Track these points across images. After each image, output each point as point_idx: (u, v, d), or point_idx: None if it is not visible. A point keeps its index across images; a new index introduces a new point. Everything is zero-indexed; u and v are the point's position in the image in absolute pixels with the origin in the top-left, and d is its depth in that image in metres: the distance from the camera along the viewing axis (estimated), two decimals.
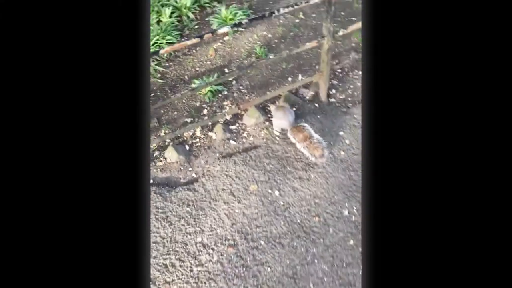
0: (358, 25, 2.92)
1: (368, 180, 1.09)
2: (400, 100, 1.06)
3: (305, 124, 2.80)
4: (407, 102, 1.06)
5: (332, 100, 3.22)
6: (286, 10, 2.51)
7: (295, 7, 2.53)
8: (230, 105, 3.26)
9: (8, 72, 1.01)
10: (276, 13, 2.47)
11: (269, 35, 3.85)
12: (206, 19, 3.98)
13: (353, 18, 3.85)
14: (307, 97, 3.26)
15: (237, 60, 3.61)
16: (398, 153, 1.06)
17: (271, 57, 3.42)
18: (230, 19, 3.80)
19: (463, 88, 1.03)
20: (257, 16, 2.39)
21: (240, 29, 3.87)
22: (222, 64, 3.60)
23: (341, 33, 2.83)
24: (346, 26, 3.09)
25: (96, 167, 1.04)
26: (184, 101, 3.29)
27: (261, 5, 4.20)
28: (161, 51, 2.39)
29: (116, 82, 1.07)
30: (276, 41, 3.78)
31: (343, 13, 3.94)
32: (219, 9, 3.92)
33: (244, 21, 2.35)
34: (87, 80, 1.05)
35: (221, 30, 2.37)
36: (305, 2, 2.53)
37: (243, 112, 3.14)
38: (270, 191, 2.64)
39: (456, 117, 1.03)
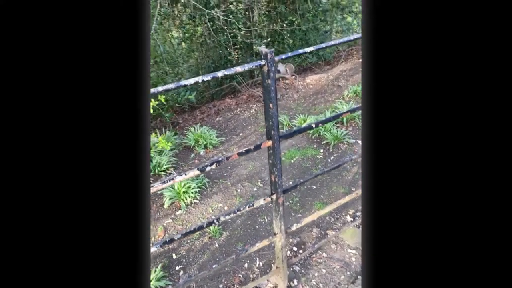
0: (316, 214, 2.67)
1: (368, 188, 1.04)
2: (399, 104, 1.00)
3: None
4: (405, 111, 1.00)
5: None
6: (228, 217, 2.23)
7: (237, 213, 2.27)
8: None
9: None
10: (216, 222, 2.18)
11: (226, 207, 3.57)
12: (159, 192, 3.74)
13: (312, 188, 3.68)
14: None
15: (188, 242, 3.23)
16: (399, 153, 1.00)
17: (225, 234, 3.06)
18: (184, 192, 3.56)
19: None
20: (190, 230, 2.08)
21: (194, 201, 3.61)
22: (170, 247, 3.20)
23: (294, 228, 2.54)
24: (303, 210, 2.83)
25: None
26: None
27: (218, 171, 4.05)
28: None
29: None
30: (233, 215, 3.48)
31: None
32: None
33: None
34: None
35: None
36: (249, 207, 2.28)
37: None
38: None
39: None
